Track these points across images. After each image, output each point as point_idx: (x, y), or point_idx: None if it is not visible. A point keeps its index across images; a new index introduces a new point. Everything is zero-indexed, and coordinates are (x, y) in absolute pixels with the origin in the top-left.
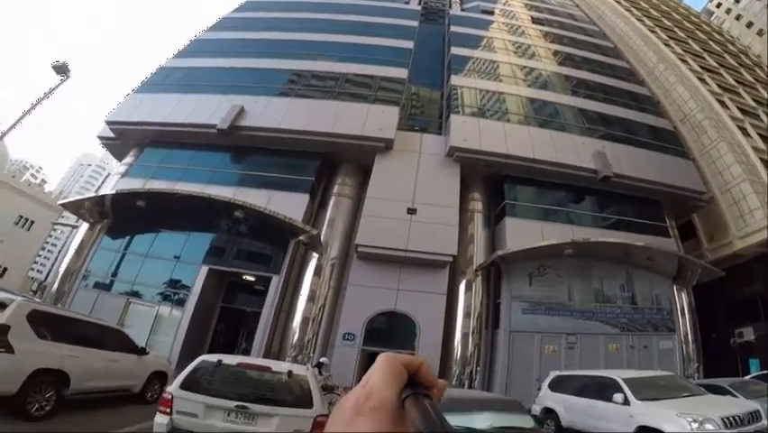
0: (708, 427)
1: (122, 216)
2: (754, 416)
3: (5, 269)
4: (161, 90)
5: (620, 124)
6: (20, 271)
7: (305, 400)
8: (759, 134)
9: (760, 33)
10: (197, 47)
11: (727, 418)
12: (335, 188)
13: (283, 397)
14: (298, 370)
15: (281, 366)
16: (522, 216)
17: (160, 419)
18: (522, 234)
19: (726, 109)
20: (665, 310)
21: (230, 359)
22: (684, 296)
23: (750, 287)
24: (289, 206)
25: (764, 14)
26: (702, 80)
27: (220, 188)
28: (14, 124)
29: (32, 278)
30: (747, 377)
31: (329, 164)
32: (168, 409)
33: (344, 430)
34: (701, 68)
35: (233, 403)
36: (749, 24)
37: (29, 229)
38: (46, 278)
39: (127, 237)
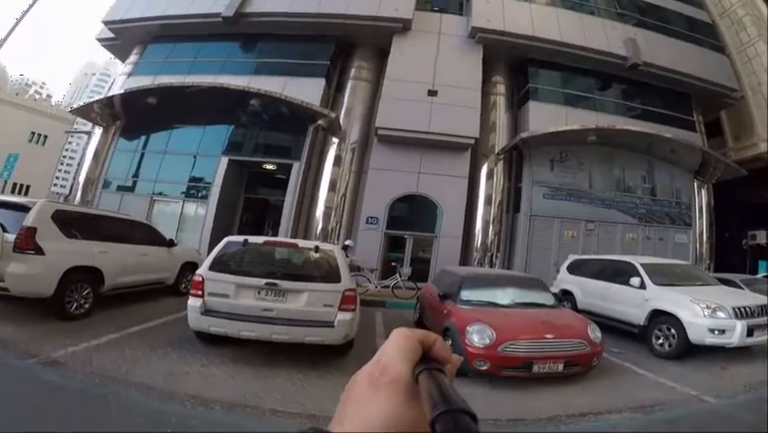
0: (720, 314)
1: (134, 115)
2: (764, 309)
3: (28, 186)
4: None
5: (656, 12)
6: (42, 188)
7: (333, 276)
8: None
9: None
10: None
11: (739, 308)
12: (352, 72)
13: (311, 273)
14: (325, 246)
15: (307, 243)
16: (546, 101)
17: (193, 302)
18: (545, 118)
19: None
20: (684, 205)
21: (255, 239)
22: (704, 192)
23: None
24: (306, 91)
25: None
26: None
27: (232, 77)
28: (6, 37)
29: (57, 193)
30: (759, 275)
31: (345, 48)
32: (200, 292)
33: (360, 405)
34: None
35: (263, 281)
36: None
37: (44, 144)
38: (70, 192)
39: (143, 137)
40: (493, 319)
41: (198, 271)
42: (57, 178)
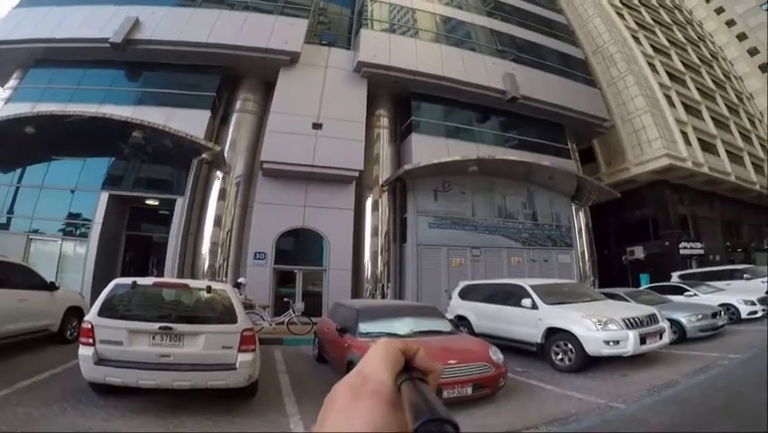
0: (612, 327)
1: (10, 145)
2: (651, 318)
3: None
4: (46, 3)
5: (533, 49)
6: None
7: (228, 316)
8: (667, 72)
9: None
10: None
11: (629, 319)
12: (238, 105)
13: (206, 314)
14: (217, 285)
15: (199, 283)
16: (428, 133)
17: (85, 351)
18: (428, 150)
19: (640, 45)
20: (564, 227)
21: (144, 280)
22: (582, 215)
23: (641, 210)
24: (190, 123)
25: None
26: (621, 15)
27: (116, 107)
28: None
29: None
30: (641, 288)
31: (231, 80)
32: (90, 340)
33: (342, 415)
34: (621, 3)
35: (157, 325)
36: None
37: None
38: None
39: (19, 169)
40: None
41: (87, 318)
42: None
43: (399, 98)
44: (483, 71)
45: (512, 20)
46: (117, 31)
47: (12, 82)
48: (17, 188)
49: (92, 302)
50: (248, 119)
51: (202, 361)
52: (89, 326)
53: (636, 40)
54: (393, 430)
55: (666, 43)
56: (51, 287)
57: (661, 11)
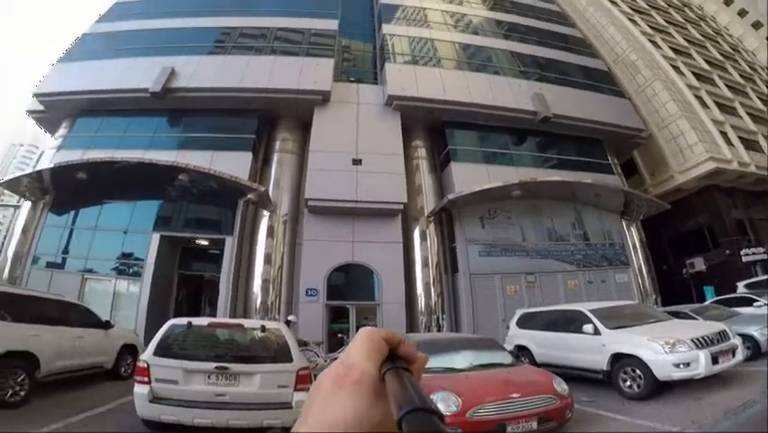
0: (681, 348)
1: (64, 190)
2: (722, 335)
3: None
4: (87, 57)
5: (555, 67)
6: None
7: (283, 355)
8: (692, 72)
9: None
10: (120, 10)
11: (697, 339)
12: (277, 145)
13: (261, 353)
14: (271, 324)
15: (253, 323)
16: (467, 161)
17: (140, 390)
18: (468, 177)
19: (659, 49)
20: (617, 245)
21: (199, 320)
22: (634, 230)
23: (695, 219)
24: (233, 165)
25: None
26: (633, 21)
27: (161, 152)
28: None
29: None
30: (706, 302)
31: (269, 121)
32: (146, 378)
33: (326, 404)
34: (631, 9)
35: (213, 365)
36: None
37: None
38: None
39: (72, 212)
40: (456, 385)
41: (143, 357)
42: None
43: (433, 128)
44: (511, 94)
45: (529, 40)
46: (155, 80)
47: (61, 131)
48: (71, 230)
49: (145, 340)
50: (289, 158)
51: (258, 400)
52: (145, 364)
53: (654, 43)
54: (376, 419)
55: (685, 43)
56: (107, 325)
57: (671, 11)
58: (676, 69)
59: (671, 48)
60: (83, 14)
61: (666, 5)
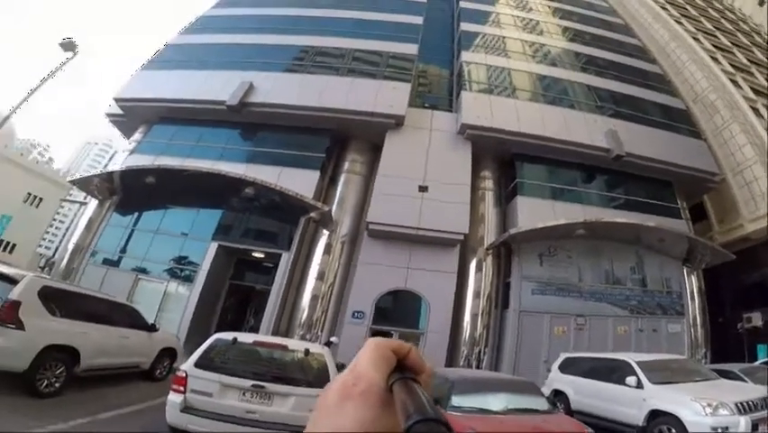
0: (723, 412)
1: (131, 192)
2: (766, 402)
3: (14, 245)
4: (169, 67)
5: (632, 103)
6: (28, 248)
7: (321, 380)
8: None
9: None
10: (204, 23)
11: (741, 403)
12: (346, 166)
13: (299, 376)
14: (315, 348)
15: (297, 345)
16: (533, 195)
17: (174, 398)
18: (533, 213)
19: (740, 89)
20: (675, 293)
21: (245, 337)
22: (694, 279)
23: (759, 271)
24: (300, 182)
25: None
26: (715, 59)
27: (230, 164)
28: (21, 103)
29: (40, 254)
30: (757, 363)
31: (339, 141)
32: (182, 388)
33: (332, 415)
34: (714, 46)
35: (250, 382)
36: (762, 2)
37: (37, 207)
38: (54, 254)
39: (136, 214)
40: (489, 428)
41: (183, 367)
42: (43, 240)
43: (503, 159)
44: (585, 129)
45: (607, 74)
46: (233, 94)
47: (136, 135)
48: (132, 231)
49: (186, 342)
50: (355, 180)
51: (288, 421)
52: (183, 375)
53: (735, 83)
54: (383, 430)
55: (766, 84)
56: (152, 328)
57: (755, 49)
58: (756, 110)
59: (751, 88)
60: (158, 25)
61: (749, 43)
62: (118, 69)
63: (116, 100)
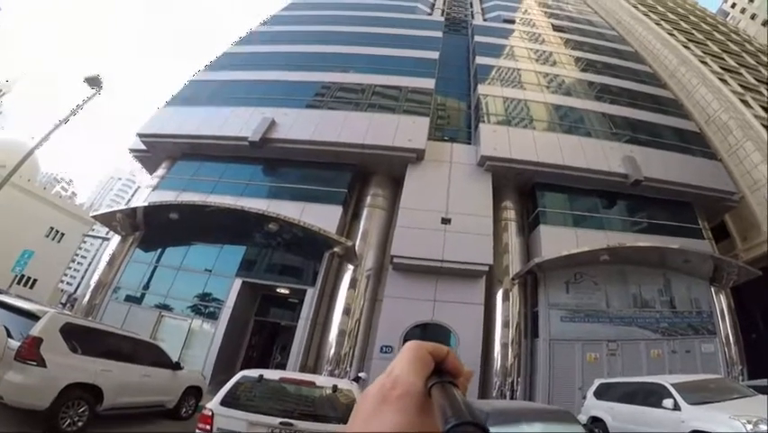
0: (763, 427)
1: (154, 228)
2: None
3: (35, 280)
4: (192, 103)
5: (646, 128)
6: (49, 283)
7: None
8: None
9: None
10: (226, 60)
11: None
12: (368, 200)
13: (328, 413)
14: (343, 385)
15: (325, 381)
16: (556, 224)
17: None
18: (557, 241)
19: (750, 108)
20: (705, 313)
21: (271, 374)
22: (723, 297)
23: None
24: (322, 218)
25: None
26: (723, 81)
27: (253, 200)
28: (46, 137)
29: (62, 290)
30: None
31: (361, 176)
32: (208, 427)
33: (371, 418)
34: (722, 68)
35: (278, 420)
36: (765, 23)
37: (59, 241)
38: (75, 290)
39: (159, 250)
40: None
41: (209, 405)
42: (65, 275)
43: (523, 189)
44: (602, 156)
45: (621, 101)
46: (255, 130)
47: (160, 171)
48: (155, 267)
49: (211, 380)
50: (378, 214)
51: None
52: (210, 413)
53: (745, 103)
54: None
55: None
56: (176, 366)
57: (761, 69)
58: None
59: (761, 107)
60: (181, 62)
61: (755, 63)
62: (143, 105)
63: (140, 136)
